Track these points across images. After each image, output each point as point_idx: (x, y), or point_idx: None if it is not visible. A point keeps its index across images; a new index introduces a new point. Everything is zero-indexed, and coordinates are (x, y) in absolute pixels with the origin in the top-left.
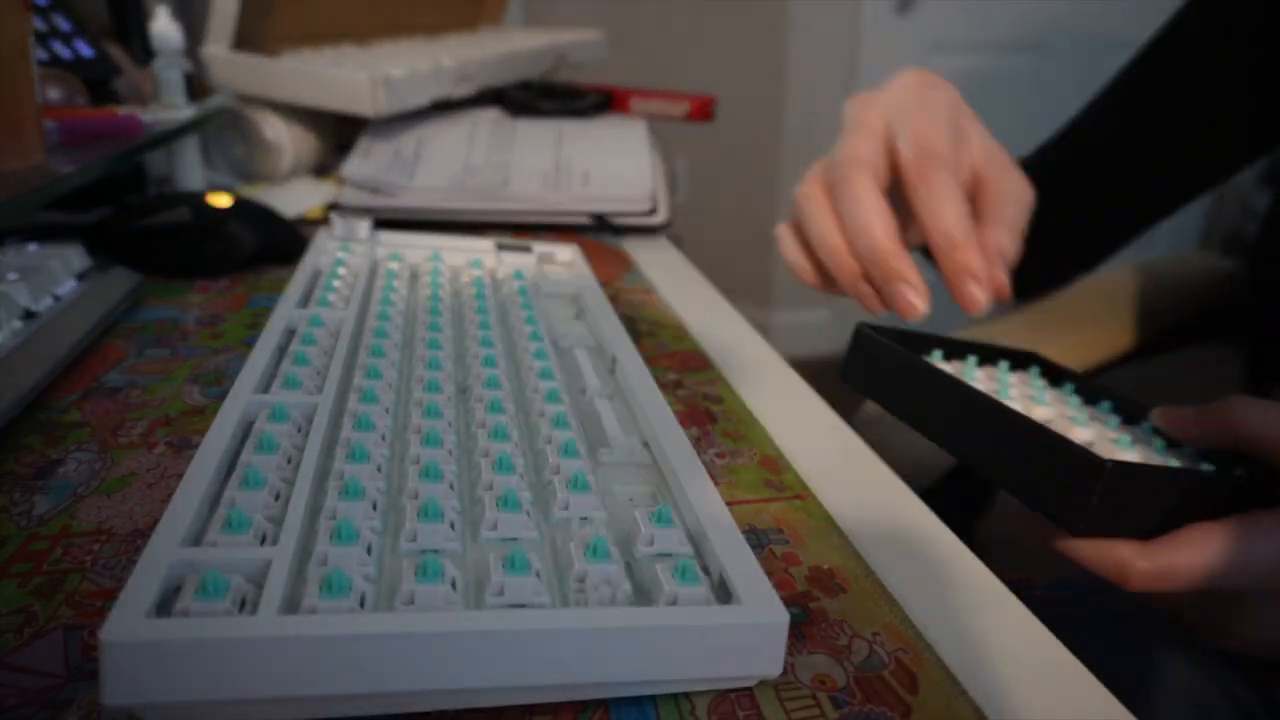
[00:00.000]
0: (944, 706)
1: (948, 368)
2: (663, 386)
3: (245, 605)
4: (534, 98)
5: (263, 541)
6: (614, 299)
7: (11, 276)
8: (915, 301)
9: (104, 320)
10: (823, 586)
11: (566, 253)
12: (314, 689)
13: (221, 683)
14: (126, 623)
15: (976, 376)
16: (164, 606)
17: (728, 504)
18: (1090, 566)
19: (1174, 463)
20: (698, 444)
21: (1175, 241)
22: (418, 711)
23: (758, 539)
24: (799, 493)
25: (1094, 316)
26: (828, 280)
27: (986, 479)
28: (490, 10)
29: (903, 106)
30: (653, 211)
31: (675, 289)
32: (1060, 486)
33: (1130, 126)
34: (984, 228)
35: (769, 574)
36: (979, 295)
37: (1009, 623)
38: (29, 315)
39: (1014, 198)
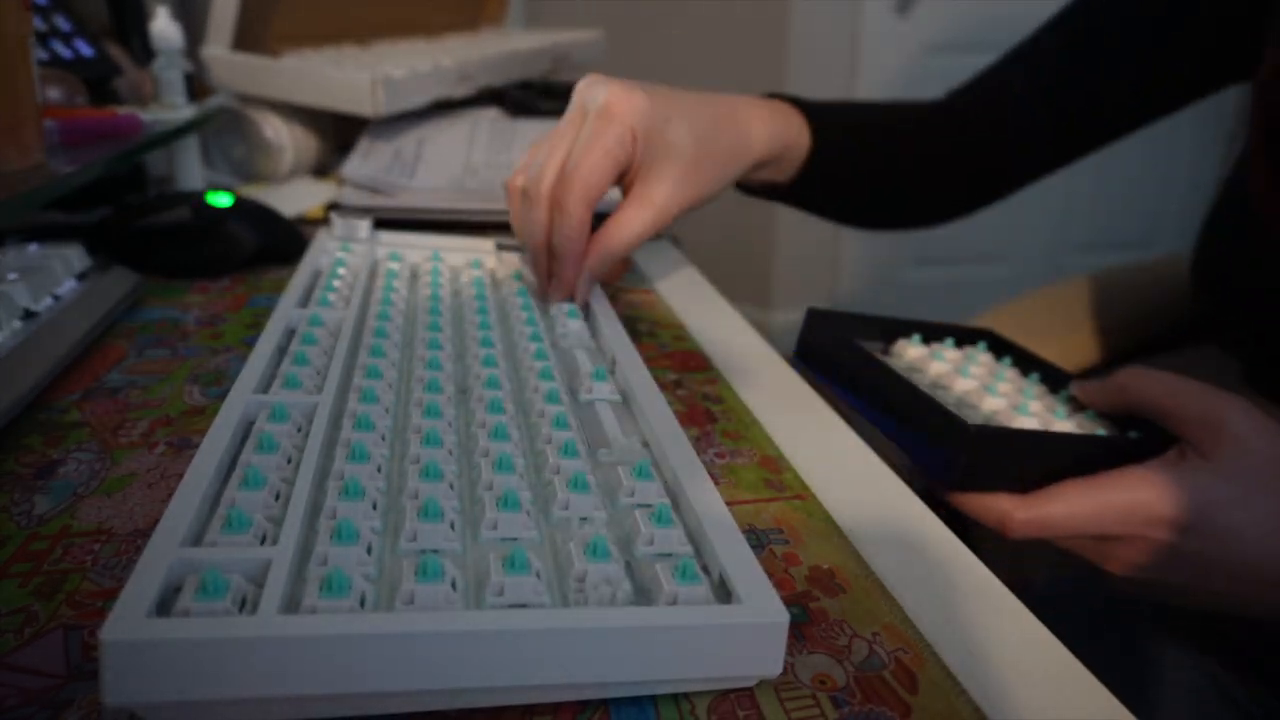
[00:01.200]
0: (944, 706)
1: (922, 350)
2: (663, 386)
3: (245, 605)
4: (534, 98)
5: (263, 541)
6: (614, 299)
7: (11, 276)
8: (560, 295)
9: (104, 320)
10: (823, 586)
11: None
12: (314, 689)
13: (221, 683)
14: (126, 622)
15: (946, 358)
16: (164, 606)
17: (728, 504)
18: (975, 517)
19: (1099, 433)
20: (698, 444)
21: (1174, 242)
22: (418, 711)
23: (758, 539)
24: (799, 493)
25: (1092, 316)
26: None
27: (888, 437)
28: (490, 11)
29: (579, 148)
30: None
31: (675, 289)
32: (937, 447)
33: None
34: (589, 251)
35: (769, 574)
36: (559, 295)
37: (1009, 623)
38: (29, 315)
39: (622, 230)
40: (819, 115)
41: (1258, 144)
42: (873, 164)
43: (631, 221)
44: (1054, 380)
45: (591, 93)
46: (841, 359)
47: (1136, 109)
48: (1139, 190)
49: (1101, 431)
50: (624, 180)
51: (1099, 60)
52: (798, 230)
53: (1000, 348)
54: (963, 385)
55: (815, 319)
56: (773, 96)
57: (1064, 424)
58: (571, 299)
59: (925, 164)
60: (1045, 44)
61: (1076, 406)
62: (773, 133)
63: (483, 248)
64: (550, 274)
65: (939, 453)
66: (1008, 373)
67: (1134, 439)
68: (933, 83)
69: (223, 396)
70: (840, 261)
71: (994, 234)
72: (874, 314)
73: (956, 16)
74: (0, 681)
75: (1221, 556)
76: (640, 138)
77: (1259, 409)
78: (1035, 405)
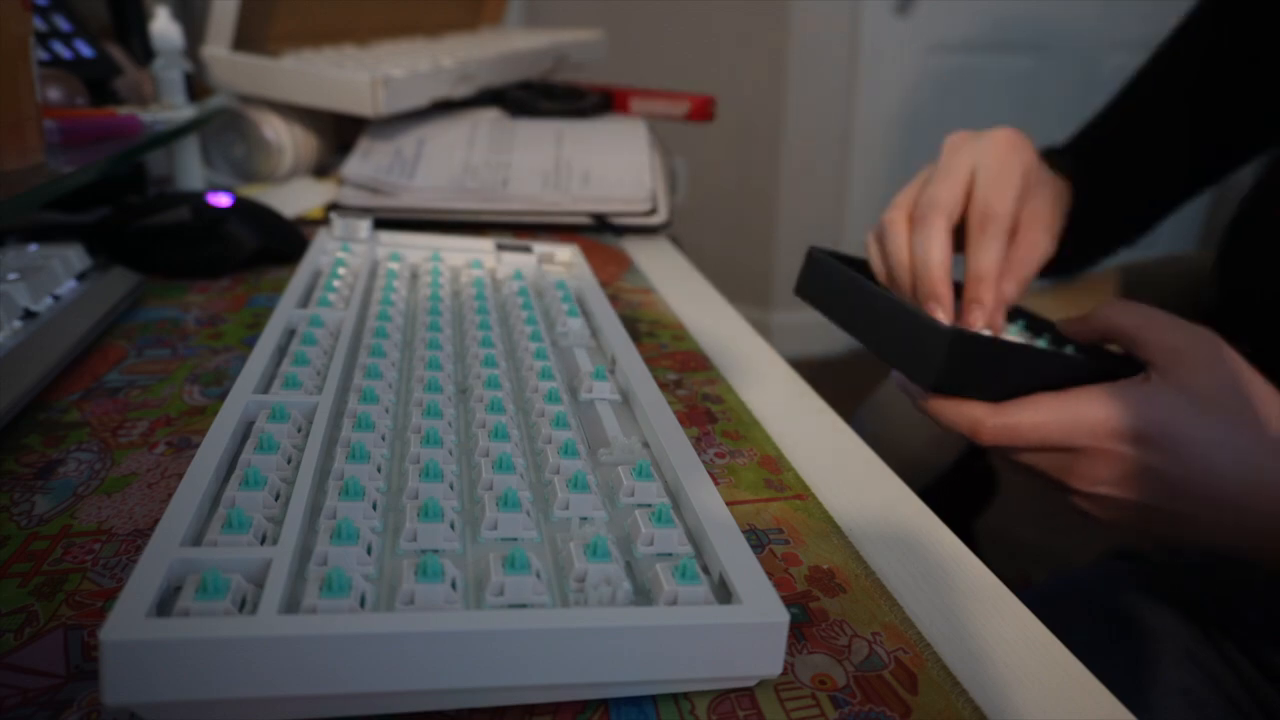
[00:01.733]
0: (944, 706)
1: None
2: (663, 386)
3: (245, 605)
4: (534, 98)
5: (263, 541)
6: (614, 299)
7: (11, 276)
8: (941, 316)
9: (104, 320)
10: (823, 586)
11: (566, 253)
12: (314, 689)
13: (221, 682)
14: (126, 622)
15: None
16: (164, 606)
17: (728, 504)
18: (948, 423)
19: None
20: (698, 444)
21: (1175, 242)
22: (418, 711)
23: (758, 539)
24: (799, 493)
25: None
26: (890, 284)
27: (876, 354)
28: (490, 10)
29: (988, 164)
30: (653, 211)
31: (675, 289)
32: (916, 350)
33: (1152, 117)
34: (1003, 279)
35: (769, 574)
36: (978, 320)
37: (1009, 623)
38: (29, 315)
39: (1034, 254)
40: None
41: None
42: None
43: (1037, 244)
44: (1039, 327)
45: (971, 137)
46: (834, 290)
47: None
48: None
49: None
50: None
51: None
52: (798, 230)
53: (1011, 312)
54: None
55: (816, 256)
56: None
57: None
58: (989, 322)
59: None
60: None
61: (1058, 344)
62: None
63: (483, 248)
64: (973, 299)
65: (918, 356)
66: (1019, 328)
67: (1105, 360)
68: (933, 83)
69: (223, 396)
70: None
71: None
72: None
73: (956, 16)
74: (0, 681)
75: (1181, 474)
76: (1031, 172)
77: (1225, 342)
78: (1018, 336)
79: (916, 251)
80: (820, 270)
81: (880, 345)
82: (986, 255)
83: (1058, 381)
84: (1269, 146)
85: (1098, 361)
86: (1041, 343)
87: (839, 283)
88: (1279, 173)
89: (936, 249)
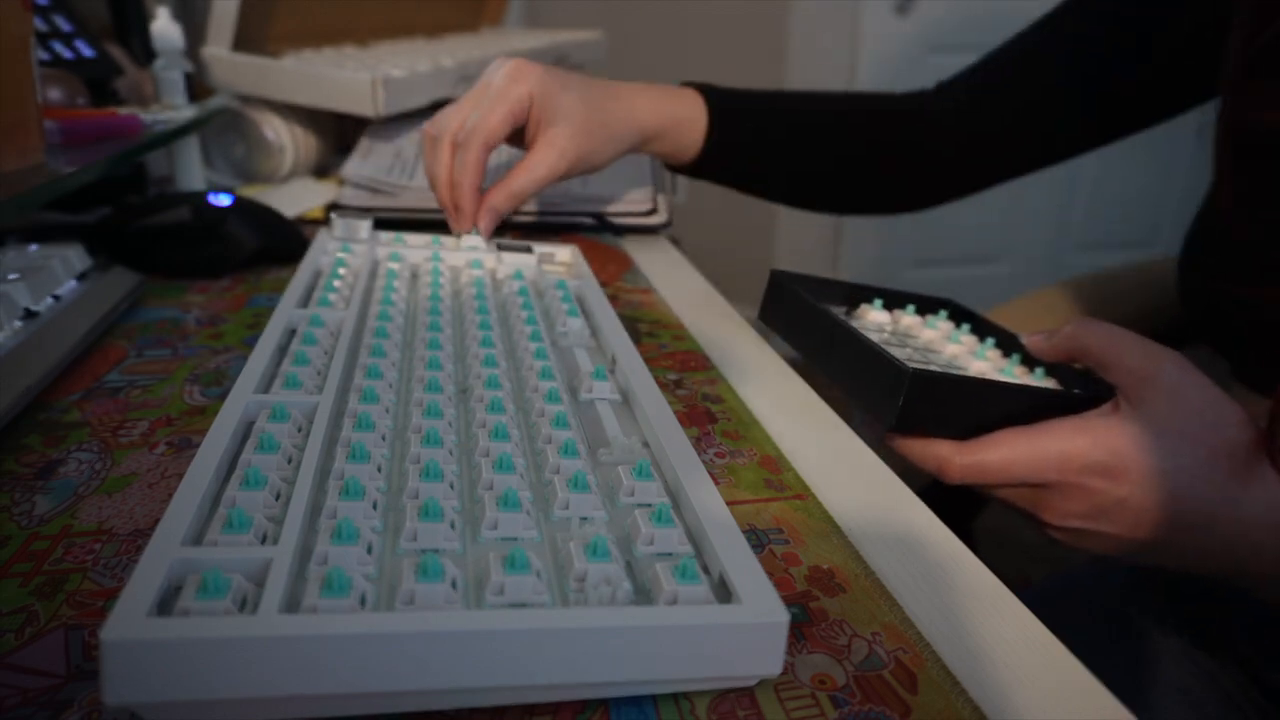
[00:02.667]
0: (944, 706)
1: (883, 315)
2: (663, 386)
3: (246, 605)
4: None
5: (263, 541)
6: (614, 299)
7: (12, 276)
8: (462, 225)
9: (104, 320)
10: (823, 586)
11: (566, 253)
12: (314, 688)
13: (221, 682)
14: (127, 622)
15: (904, 323)
16: (165, 606)
17: (728, 504)
18: (916, 462)
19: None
20: (698, 444)
21: (1174, 243)
22: (418, 711)
23: (758, 539)
24: (799, 493)
25: (1091, 316)
26: (431, 183)
27: (838, 387)
28: (491, 11)
29: (492, 96)
30: (653, 211)
31: (675, 289)
32: (878, 390)
33: (1062, 55)
34: (494, 191)
35: (769, 574)
36: (460, 225)
37: (1009, 623)
38: (29, 315)
39: (532, 173)
40: (721, 99)
41: (1223, 159)
42: (785, 147)
43: (535, 164)
44: (1009, 345)
45: (495, 66)
46: (798, 317)
47: (1148, 105)
48: (1139, 190)
49: (1042, 385)
50: (525, 141)
51: (1116, 51)
52: (798, 230)
53: (960, 316)
54: (917, 343)
55: (778, 281)
56: (687, 85)
57: (1008, 379)
58: (473, 230)
59: (874, 151)
60: (1068, 28)
61: (1028, 368)
62: (659, 109)
63: (483, 248)
64: (455, 207)
65: (880, 394)
66: (964, 337)
67: (1072, 392)
68: (932, 83)
69: (223, 396)
70: (840, 262)
71: (994, 234)
72: (837, 279)
73: (956, 16)
74: (0, 681)
75: (1148, 503)
76: (537, 100)
77: (1193, 365)
78: (982, 364)
79: (457, 172)
80: (784, 296)
81: (843, 379)
82: (460, 166)
83: (1024, 414)
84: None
85: (1064, 392)
86: (1012, 363)
87: (803, 312)
88: (1226, 183)
89: (470, 173)
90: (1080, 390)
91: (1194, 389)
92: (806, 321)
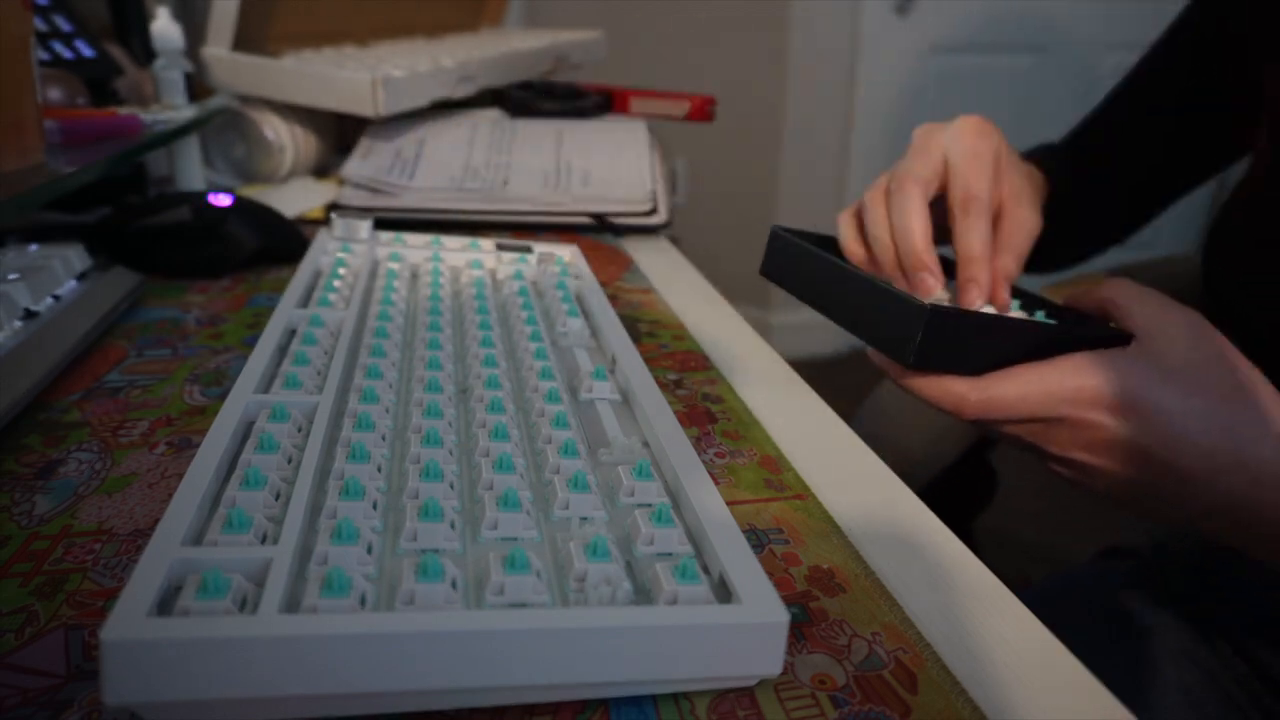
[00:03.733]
0: (944, 706)
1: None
2: (663, 386)
3: (246, 604)
4: (534, 98)
5: (263, 541)
6: (614, 299)
7: (12, 276)
8: (932, 284)
9: (104, 320)
10: (823, 586)
11: (566, 253)
12: (314, 688)
13: (221, 682)
14: (127, 622)
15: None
16: (165, 606)
17: (728, 504)
18: (930, 400)
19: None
20: (698, 444)
21: (1175, 243)
22: (418, 711)
23: (758, 539)
24: (799, 493)
25: None
26: (873, 261)
27: (851, 332)
28: (491, 11)
29: (959, 149)
30: (653, 211)
31: (675, 289)
32: (893, 328)
33: (1137, 121)
34: (996, 255)
35: (769, 574)
36: (975, 298)
37: (1009, 623)
38: (29, 315)
39: (1023, 229)
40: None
41: (1274, 134)
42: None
43: (1025, 219)
44: (1034, 303)
45: (939, 126)
46: (802, 269)
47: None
48: None
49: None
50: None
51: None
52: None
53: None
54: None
55: (779, 234)
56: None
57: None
58: (986, 299)
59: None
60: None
61: (1032, 311)
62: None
63: (483, 247)
64: (968, 279)
65: (896, 334)
66: (1015, 303)
67: (1083, 328)
68: (932, 83)
69: (223, 396)
70: None
71: None
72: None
73: (956, 16)
74: (0, 681)
75: (1151, 442)
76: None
77: (1212, 324)
78: (990, 309)
79: (895, 220)
80: (786, 249)
81: (854, 323)
82: (974, 235)
83: (1038, 351)
84: (1248, 149)
85: (1078, 329)
86: (1018, 311)
87: (807, 262)
88: (1258, 177)
89: (914, 216)
90: (1089, 326)
91: (1213, 340)
92: (812, 271)
